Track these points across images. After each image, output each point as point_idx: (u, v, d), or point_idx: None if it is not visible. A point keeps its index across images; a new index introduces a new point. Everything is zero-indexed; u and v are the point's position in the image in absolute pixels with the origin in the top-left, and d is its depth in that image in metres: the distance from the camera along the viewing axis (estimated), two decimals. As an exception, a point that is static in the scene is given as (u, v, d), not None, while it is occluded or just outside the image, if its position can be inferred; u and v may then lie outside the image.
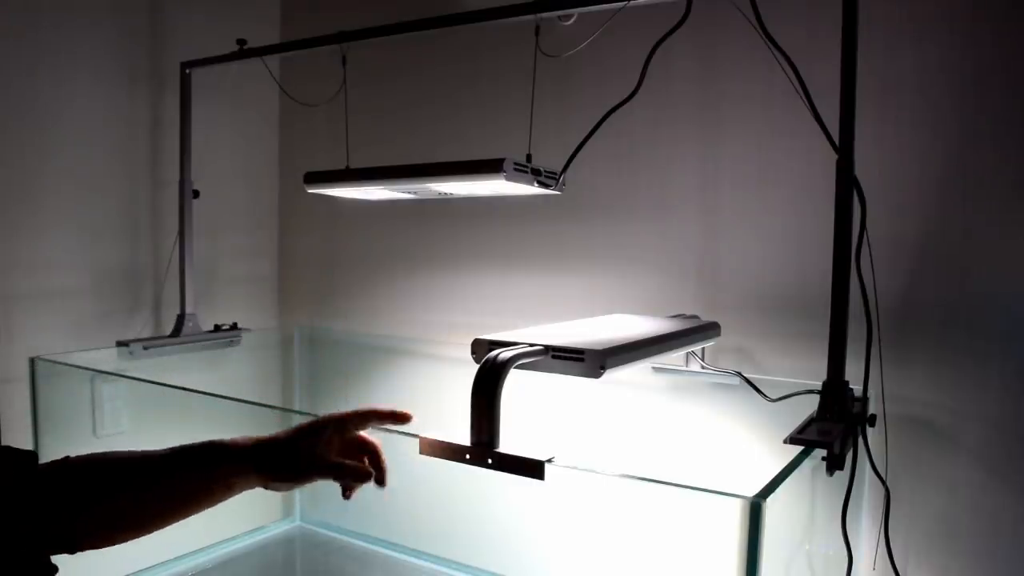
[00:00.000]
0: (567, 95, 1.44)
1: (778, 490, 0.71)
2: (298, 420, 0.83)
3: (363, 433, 0.83)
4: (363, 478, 0.79)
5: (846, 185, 0.93)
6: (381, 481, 0.82)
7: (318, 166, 1.31)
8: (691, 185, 1.35)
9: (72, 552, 0.70)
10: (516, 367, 0.82)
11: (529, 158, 1.11)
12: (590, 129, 1.05)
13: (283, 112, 1.92)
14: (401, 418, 0.82)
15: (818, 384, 0.96)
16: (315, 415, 0.83)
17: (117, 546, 0.72)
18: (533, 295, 1.54)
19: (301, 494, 1.90)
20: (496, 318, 1.59)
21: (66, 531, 0.69)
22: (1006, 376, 1.10)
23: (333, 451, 0.79)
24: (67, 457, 0.72)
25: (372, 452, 0.83)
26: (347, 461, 0.79)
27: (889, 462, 1.14)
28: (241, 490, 0.78)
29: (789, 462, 0.80)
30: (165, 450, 0.76)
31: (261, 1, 1.87)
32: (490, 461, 0.76)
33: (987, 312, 1.11)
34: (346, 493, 0.80)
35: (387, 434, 0.88)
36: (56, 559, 0.69)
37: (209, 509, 0.77)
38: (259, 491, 0.80)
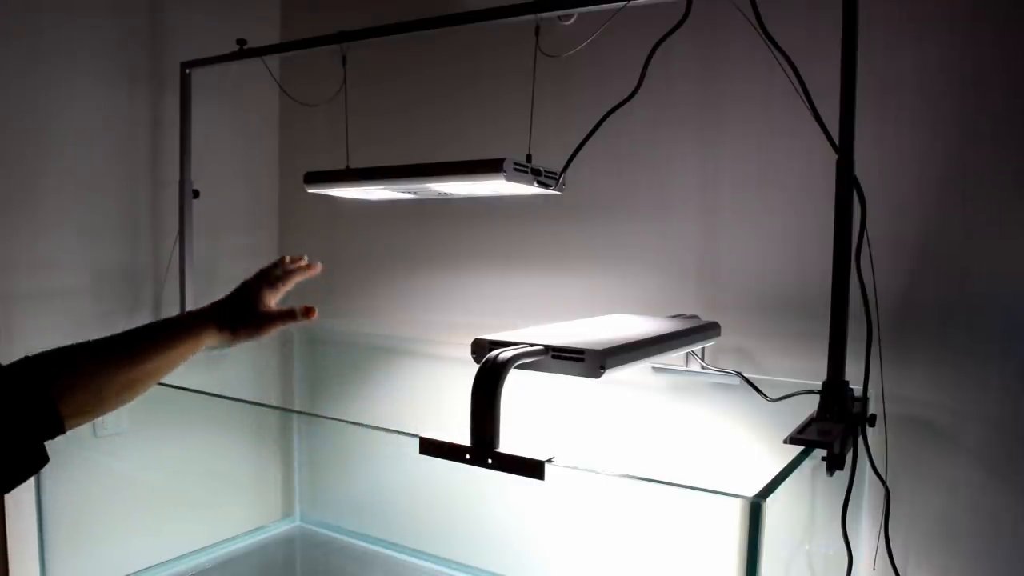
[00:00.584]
0: (567, 95, 1.44)
1: (778, 490, 0.71)
2: (298, 420, 0.84)
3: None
4: (310, 316, 0.96)
5: (846, 185, 0.93)
6: (313, 267, 1.02)
7: (318, 166, 1.31)
8: (691, 185, 1.35)
9: (61, 432, 0.72)
10: (516, 367, 0.82)
11: (529, 158, 1.11)
12: (590, 129, 1.05)
13: (283, 112, 1.92)
14: (310, 268, 1.01)
15: (818, 384, 0.96)
16: (315, 414, 0.84)
17: (116, 544, 0.72)
18: (533, 295, 1.54)
19: (301, 494, 1.90)
20: (496, 318, 1.59)
21: (50, 415, 0.70)
22: (1006, 376, 1.10)
23: (272, 298, 0.96)
24: (26, 356, 0.75)
25: (284, 271, 0.99)
26: (292, 308, 0.96)
27: (889, 462, 1.14)
28: (203, 346, 0.88)
29: (789, 462, 0.80)
30: (126, 331, 0.84)
31: (261, 1, 1.87)
32: (490, 461, 0.76)
33: (987, 312, 1.11)
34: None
35: (387, 434, 0.88)
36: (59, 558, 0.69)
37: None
38: (259, 491, 0.80)
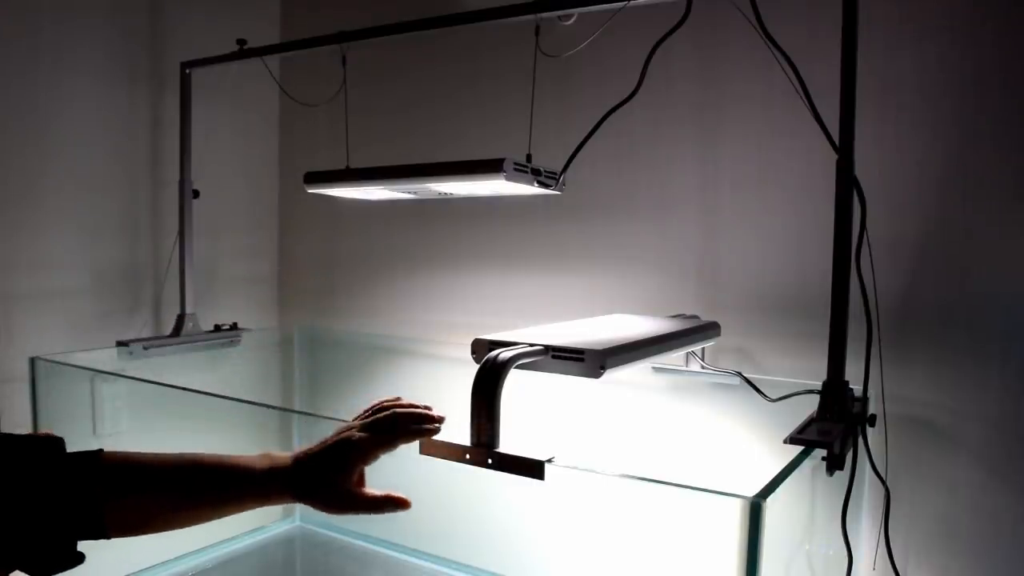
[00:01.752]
0: (567, 95, 1.44)
1: (778, 490, 0.71)
2: (298, 420, 0.83)
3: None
4: (404, 508, 0.79)
5: (846, 185, 0.93)
6: (437, 418, 0.81)
7: (318, 166, 1.31)
8: (691, 185, 1.35)
9: (103, 539, 0.69)
10: (516, 367, 0.82)
11: (529, 158, 1.11)
12: (590, 129, 1.05)
13: (283, 112, 1.92)
14: (437, 420, 0.80)
15: (818, 384, 0.96)
16: (316, 414, 0.83)
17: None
18: (533, 295, 1.54)
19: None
20: (496, 318, 1.59)
21: (96, 520, 0.68)
22: (1006, 376, 1.10)
23: (362, 481, 0.79)
24: (101, 450, 0.71)
25: (400, 438, 0.80)
26: (384, 497, 0.79)
27: (889, 462, 1.14)
28: (277, 504, 0.78)
29: (789, 462, 0.80)
30: (193, 463, 0.75)
31: (261, 1, 1.87)
32: (490, 461, 0.76)
33: (987, 312, 1.11)
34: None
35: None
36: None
37: None
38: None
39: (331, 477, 0.76)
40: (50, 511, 0.66)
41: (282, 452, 0.78)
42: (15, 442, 0.68)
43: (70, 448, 0.70)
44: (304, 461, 0.77)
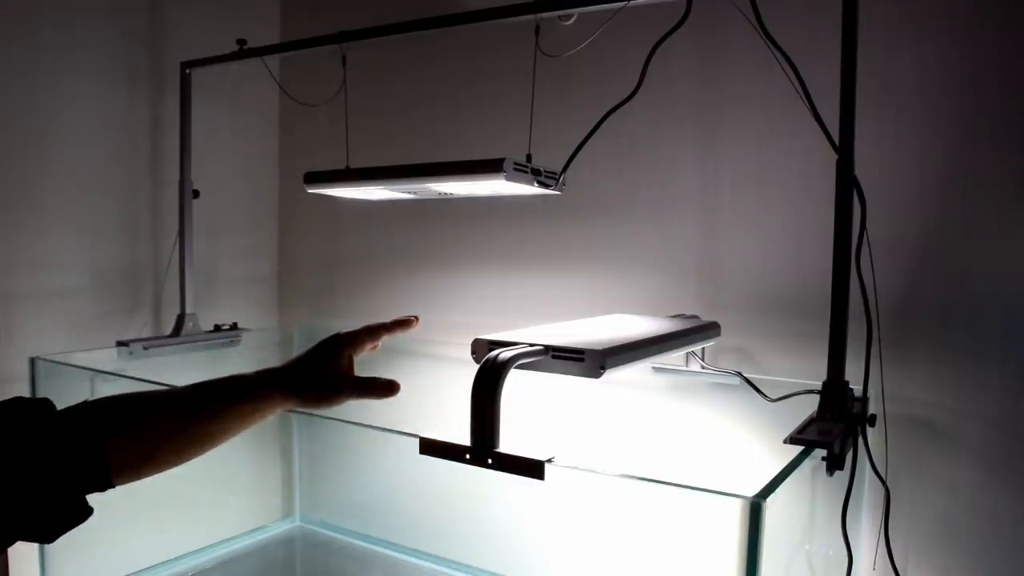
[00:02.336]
0: (567, 95, 1.44)
1: (778, 490, 0.71)
2: (298, 420, 0.83)
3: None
4: (392, 392, 0.81)
5: (846, 185, 0.93)
6: (410, 322, 0.88)
7: (318, 166, 1.31)
8: (691, 185, 1.35)
9: (107, 488, 0.69)
10: (516, 367, 0.82)
11: (529, 158, 1.11)
12: (590, 129, 1.05)
13: (283, 112, 1.92)
14: (406, 324, 0.86)
15: (818, 384, 0.96)
16: (315, 415, 0.83)
17: (116, 544, 0.71)
18: (533, 295, 1.54)
19: (301, 494, 1.90)
20: (496, 318, 1.59)
21: (98, 468, 0.67)
22: (1006, 376, 1.10)
23: (351, 367, 0.83)
24: (85, 401, 0.71)
25: (378, 333, 0.86)
26: (375, 377, 0.82)
27: (889, 462, 1.14)
28: (272, 414, 0.80)
29: (789, 462, 0.80)
30: (185, 387, 0.77)
31: (261, 1, 1.87)
32: (490, 461, 0.76)
33: (987, 312, 1.11)
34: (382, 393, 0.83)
35: (387, 434, 0.88)
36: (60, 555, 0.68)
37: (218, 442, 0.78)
38: (259, 491, 0.80)
39: (320, 366, 0.80)
40: (51, 466, 0.65)
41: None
42: (5, 407, 0.67)
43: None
44: (294, 360, 0.82)
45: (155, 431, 0.72)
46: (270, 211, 1.95)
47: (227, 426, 0.76)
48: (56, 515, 0.65)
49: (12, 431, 0.65)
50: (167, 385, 1.28)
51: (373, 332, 0.85)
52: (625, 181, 1.42)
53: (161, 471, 0.73)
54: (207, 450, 0.76)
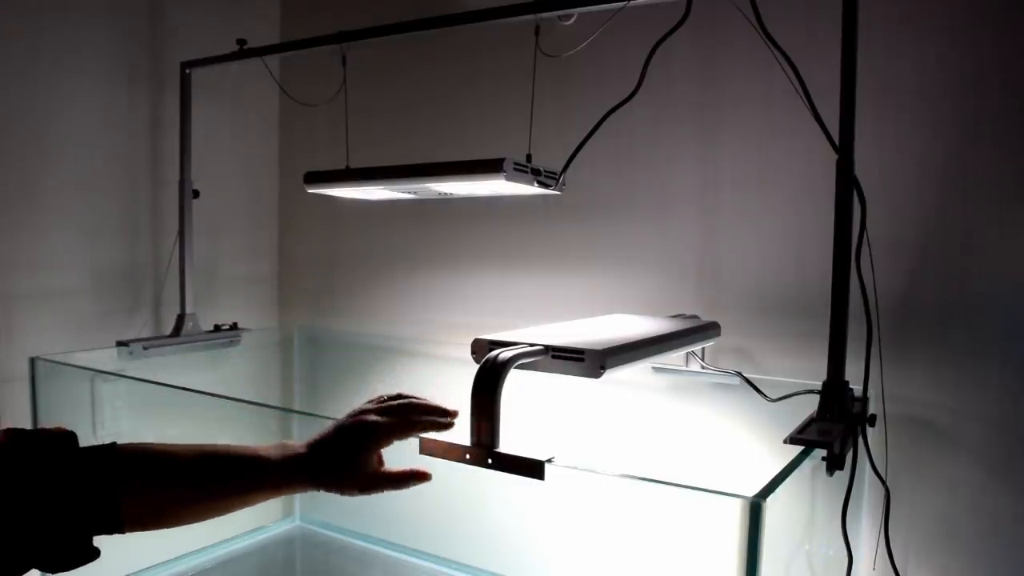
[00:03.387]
0: (567, 95, 1.44)
1: (778, 490, 0.71)
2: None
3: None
4: (425, 480, 0.78)
5: (846, 185, 0.93)
6: (452, 413, 0.81)
7: (318, 166, 1.31)
8: (691, 185, 1.35)
9: (118, 532, 0.68)
10: (516, 367, 0.82)
11: (529, 158, 1.11)
12: (590, 129, 1.05)
13: (283, 112, 1.92)
14: (444, 426, 0.79)
15: (818, 384, 0.96)
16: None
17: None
18: (533, 295, 1.54)
19: (301, 494, 1.90)
20: (496, 318, 1.59)
21: (112, 514, 0.67)
22: (1006, 376, 1.10)
23: (381, 460, 0.78)
24: (114, 443, 0.71)
25: (414, 429, 0.79)
26: (406, 472, 0.78)
27: (889, 462, 1.14)
28: (293, 493, 0.78)
29: (789, 462, 0.80)
30: (210, 453, 0.75)
31: (261, 1, 1.87)
32: (490, 461, 0.76)
33: (987, 312, 1.11)
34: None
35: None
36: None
37: None
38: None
39: (350, 459, 0.75)
40: (66, 505, 0.65)
41: (294, 441, 0.78)
42: (28, 437, 0.67)
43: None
44: (319, 445, 0.76)
45: (171, 496, 0.72)
46: (270, 211, 1.95)
47: (244, 502, 0.75)
48: (63, 553, 0.66)
49: (32, 463, 0.65)
50: (168, 385, 1.29)
51: (408, 428, 0.78)
52: (625, 181, 1.42)
53: (173, 527, 0.73)
54: (220, 515, 0.75)
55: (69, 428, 0.70)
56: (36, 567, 0.65)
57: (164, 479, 0.72)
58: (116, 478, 0.68)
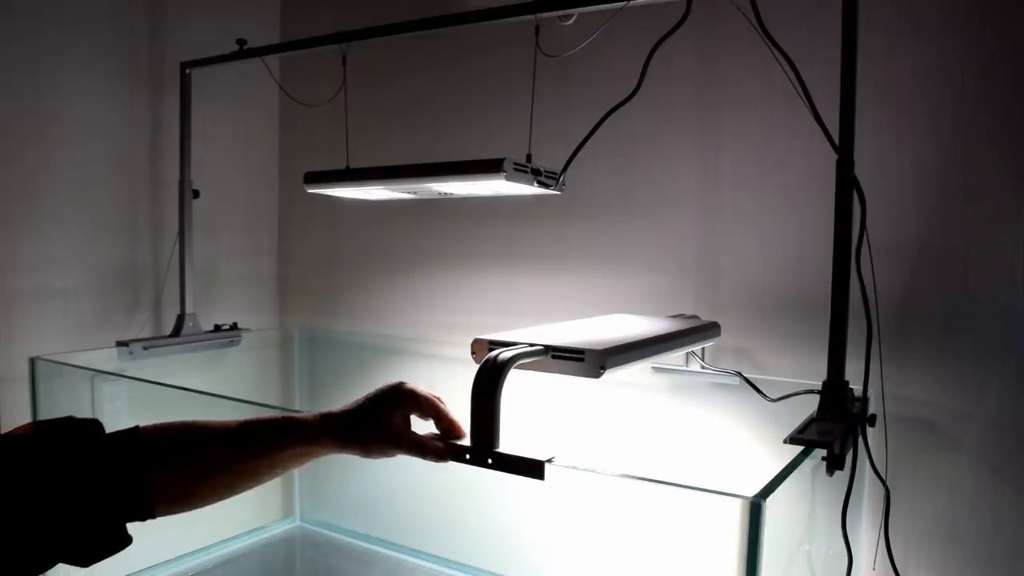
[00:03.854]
0: (567, 95, 1.44)
1: (778, 490, 0.71)
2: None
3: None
4: (442, 459, 0.78)
5: (846, 185, 0.93)
6: (460, 433, 0.81)
7: (318, 166, 1.31)
8: (691, 185, 1.35)
9: (149, 518, 0.69)
10: (516, 367, 0.82)
11: (529, 158, 1.11)
12: (590, 129, 1.05)
13: (283, 112, 1.92)
14: (457, 432, 0.80)
15: (818, 384, 0.96)
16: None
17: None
18: (533, 295, 1.54)
19: (301, 494, 1.90)
20: (496, 318, 1.59)
21: (142, 498, 0.67)
22: (1006, 376, 1.10)
23: (408, 424, 0.80)
24: (136, 427, 0.71)
25: (434, 414, 0.81)
26: (429, 441, 0.79)
27: (889, 462, 1.14)
28: (318, 457, 0.79)
29: (789, 462, 0.80)
30: (237, 423, 0.76)
31: (261, 1, 1.87)
32: (490, 461, 0.76)
33: (987, 312, 1.11)
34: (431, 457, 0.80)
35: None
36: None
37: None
38: (259, 491, 0.80)
39: (379, 418, 0.78)
40: (95, 493, 0.65)
41: None
42: (54, 428, 0.67)
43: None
44: (352, 406, 0.79)
45: (203, 466, 0.72)
46: (270, 211, 1.95)
47: (276, 466, 0.76)
48: (95, 542, 0.65)
49: (60, 453, 0.65)
50: (168, 385, 1.29)
51: (433, 408, 0.80)
52: (625, 181, 1.42)
53: (204, 505, 0.73)
54: (253, 487, 0.76)
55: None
56: (67, 560, 0.65)
57: (191, 449, 0.72)
58: (143, 458, 0.68)
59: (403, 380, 0.81)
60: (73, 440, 0.67)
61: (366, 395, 0.80)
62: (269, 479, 0.77)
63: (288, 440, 0.76)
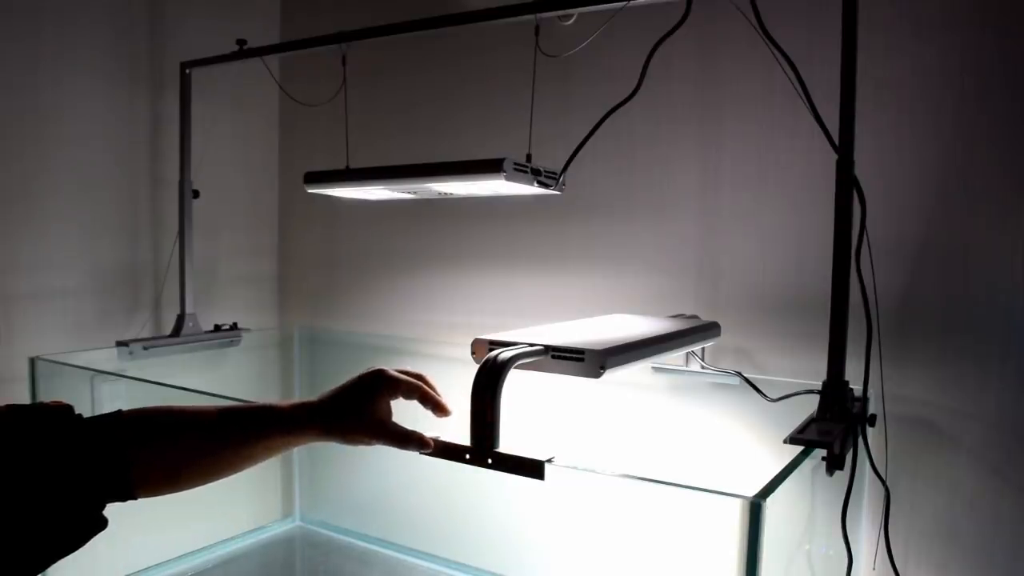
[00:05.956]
0: (567, 95, 1.44)
1: (778, 490, 0.71)
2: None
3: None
4: (425, 449, 0.78)
5: (846, 185, 0.93)
6: (445, 411, 0.82)
7: (318, 166, 1.31)
8: (691, 185, 1.35)
9: (129, 499, 0.69)
10: (516, 367, 0.82)
11: (529, 158, 1.11)
12: (590, 129, 1.05)
13: (283, 112, 1.92)
14: (442, 411, 0.82)
15: (818, 384, 0.96)
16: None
17: (116, 544, 0.71)
18: (533, 295, 1.54)
19: (301, 494, 1.90)
20: (496, 318, 1.59)
21: (121, 479, 0.67)
22: (1006, 376, 1.10)
23: (389, 412, 0.79)
24: (119, 411, 0.71)
25: (418, 395, 0.81)
26: (411, 432, 0.79)
27: (889, 462, 1.14)
28: (300, 445, 0.79)
29: (789, 462, 0.80)
30: (217, 408, 0.76)
31: (261, 1, 1.87)
32: (490, 461, 0.76)
33: (987, 312, 1.11)
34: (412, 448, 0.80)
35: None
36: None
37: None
38: (259, 491, 0.80)
39: (359, 406, 0.77)
40: (73, 472, 0.64)
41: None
42: (26, 410, 0.67)
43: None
44: (332, 394, 0.78)
45: (182, 451, 0.72)
46: (270, 211, 1.95)
47: (255, 454, 0.75)
48: (75, 524, 0.65)
49: (36, 438, 0.65)
50: (168, 385, 1.28)
51: (415, 389, 0.80)
52: (625, 181, 1.42)
53: (184, 490, 0.73)
54: (232, 474, 0.75)
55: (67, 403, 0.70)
56: (57, 551, 0.64)
57: (173, 434, 0.72)
58: (123, 440, 0.68)
59: (383, 367, 0.80)
60: (46, 417, 0.67)
61: (346, 382, 0.79)
62: (249, 466, 0.76)
63: (269, 428, 0.76)
